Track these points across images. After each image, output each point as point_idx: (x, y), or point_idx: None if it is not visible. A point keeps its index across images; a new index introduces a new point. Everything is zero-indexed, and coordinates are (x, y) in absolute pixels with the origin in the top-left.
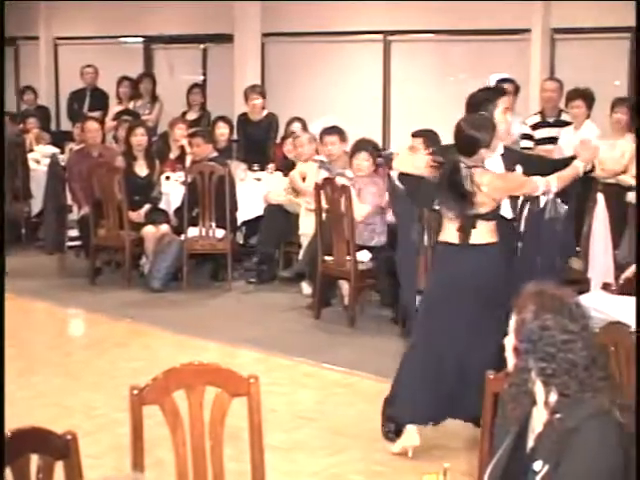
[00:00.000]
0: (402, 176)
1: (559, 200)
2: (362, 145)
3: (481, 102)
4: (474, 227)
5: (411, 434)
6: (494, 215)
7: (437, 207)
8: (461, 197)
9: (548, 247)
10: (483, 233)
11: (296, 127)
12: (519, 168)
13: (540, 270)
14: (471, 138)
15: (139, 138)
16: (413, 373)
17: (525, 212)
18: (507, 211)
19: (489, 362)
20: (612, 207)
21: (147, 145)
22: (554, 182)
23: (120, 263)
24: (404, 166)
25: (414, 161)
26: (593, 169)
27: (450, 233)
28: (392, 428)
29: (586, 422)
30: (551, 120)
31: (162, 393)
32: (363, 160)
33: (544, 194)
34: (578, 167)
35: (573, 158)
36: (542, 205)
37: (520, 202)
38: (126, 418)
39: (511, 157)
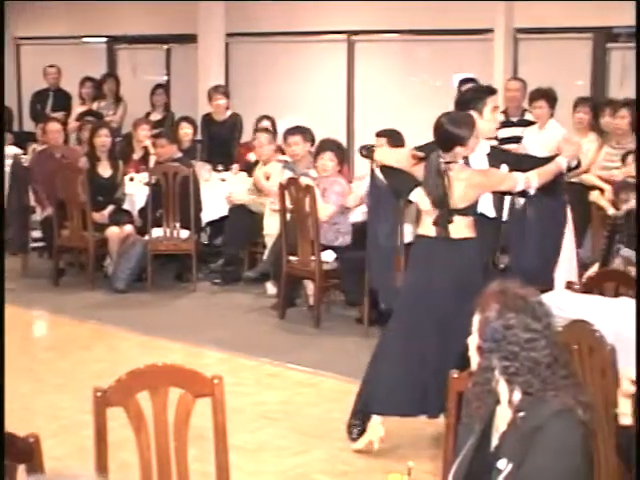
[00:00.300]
0: (383, 168)
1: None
2: (327, 145)
3: (471, 100)
4: (450, 222)
5: (376, 426)
6: (472, 211)
7: (414, 199)
8: (440, 191)
9: (534, 244)
10: (460, 228)
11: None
12: (504, 167)
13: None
14: (449, 134)
15: (103, 139)
16: (391, 364)
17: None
18: (489, 209)
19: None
20: (575, 206)
21: (111, 146)
22: (534, 178)
23: (84, 264)
24: (386, 159)
25: (396, 155)
26: (579, 165)
27: (428, 226)
28: (359, 424)
29: (549, 420)
30: (514, 119)
31: (126, 394)
32: (328, 160)
33: (525, 191)
34: (561, 163)
35: (556, 156)
36: (523, 203)
37: (509, 200)
38: (90, 420)
39: (497, 156)
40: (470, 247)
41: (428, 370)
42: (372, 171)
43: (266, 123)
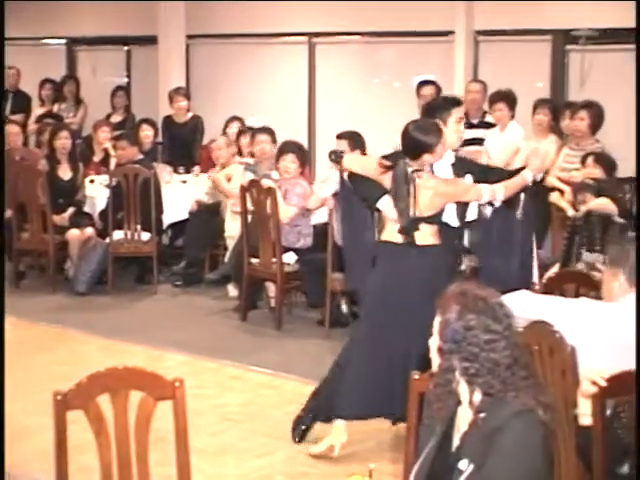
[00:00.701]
0: (351, 175)
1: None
2: (288, 147)
3: (436, 109)
4: (417, 229)
5: (339, 431)
6: (437, 220)
7: (381, 207)
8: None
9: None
10: (426, 235)
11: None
12: (469, 177)
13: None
14: (416, 141)
15: (63, 141)
16: (359, 367)
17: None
18: (453, 219)
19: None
20: (535, 208)
21: (71, 148)
22: (500, 191)
23: (44, 267)
24: (354, 166)
25: (363, 163)
26: (544, 179)
27: (393, 233)
28: (307, 422)
29: (510, 421)
30: (475, 121)
31: (86, 398)
32: (290, 162)
33: (490, 203)
34: (527, 177)
35: (522, 169)
36: (489, 215)
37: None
38: (50, 424)
39: (462, 166)
40: (435, 253)
41: (395, 373)
42: (341, 176)
43: (236, 124)
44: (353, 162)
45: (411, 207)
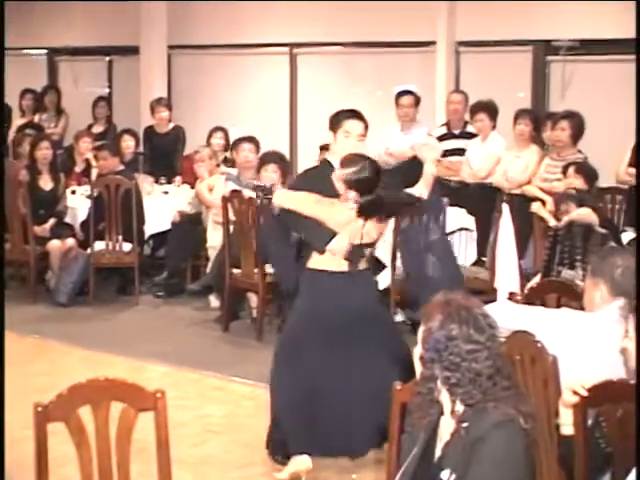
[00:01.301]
0: (287, 215)
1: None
2: (270, 157)
3: (330, 121)
4: (363, 256)
5: (302, 457)
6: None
7: (330, 249)
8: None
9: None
10: (364, 260)
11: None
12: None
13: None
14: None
15: (44, 152)
16: (285, 403)
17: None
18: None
19: (375, 390)
20: (517, 217)
21: (52, 159)
22: (424, 191)
23: (25, 278)
24: (287, 203)
25: (298, 199)
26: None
27: (326, 261)
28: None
29: (492, 431)
30: (457, 132)
31: (67, 409)
32: (271, 172)
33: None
34: (432, 170)
35: (414, 158)
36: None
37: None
38: (31, 436)
39: None
40: (370, 276)
41: (330, 409)
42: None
43: (220, 134)
44: (285, 199)
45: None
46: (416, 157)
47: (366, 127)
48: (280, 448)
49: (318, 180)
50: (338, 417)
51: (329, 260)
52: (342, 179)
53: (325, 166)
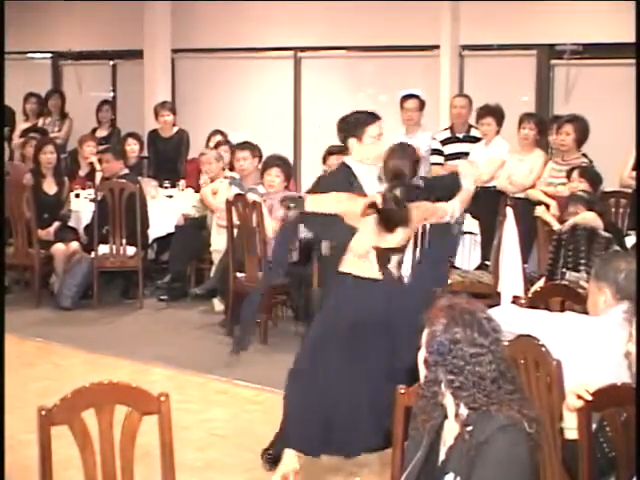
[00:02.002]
0: (311, 219)
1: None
2: (273, 161)
3: (351, 126)
4: (390, 262)
5: (290, 458)
6: (404, 249)
7: (353, 246)
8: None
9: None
10: (394, 265)
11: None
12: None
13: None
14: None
15: (48, 156)
16: (299, 399)
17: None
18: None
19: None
20: (521, 221)
21: (56, 163)
22: (458, 207)
23: (29, 281)
24: (316, 208)
25: (324, 202)
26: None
27: (356, 265)
28: (272, 452)
29: (496, 435)
30: (460, 136)
31: (71, 413)
32: (274, 176)
33: (450, 218)
34: (469, 189)
35: (455, 174)
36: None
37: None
38: (35, 439)
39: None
40: (397, 286)
41: (341, 408)
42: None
43: (218, 138)
44: (315, 204)
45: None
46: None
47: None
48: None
49: (340, 185)
50: (347, 420)
51: (357, 264)
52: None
53: (345, 170)
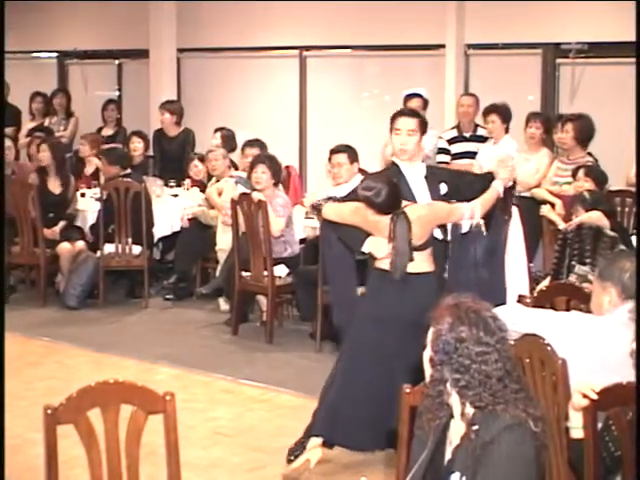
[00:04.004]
0: (329, 223)
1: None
2: (259, 158)
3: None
4: (412, 260)
5: (315, 447)
6: (429, 243)
7: (365, 250)
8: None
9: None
10: (419, 263)
11: (216, 138)
12: (444, 186)
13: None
14: (396, 196)
15: (41, 155)
16: (338, 392)
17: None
18: (437, 232)
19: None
20: (526, 220)
21: (59, 162)
22: (478, 208)
23: (35, 281)
24: (331, 215)
25: (339, 211)
26: (514, 185)
27: (387, 262)
28: (305, 444)
29: (502, 434)
30: (467, 135)
31: (77, 412)
32: (260, 172)
33: (469, 220)
34: (498, 188)
35: (490, 174)
36: (465, 230)
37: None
38: (41, 438)
39: (434, 176)
40: (427, 282)
41: (373, 403)
42: (321, 223)
43: (218, 135)
44: (330, 212)
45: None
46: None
47: (421, 122)
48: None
49: None
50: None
51: (384, 262)
52: (362, 199)
53: (393, 169)
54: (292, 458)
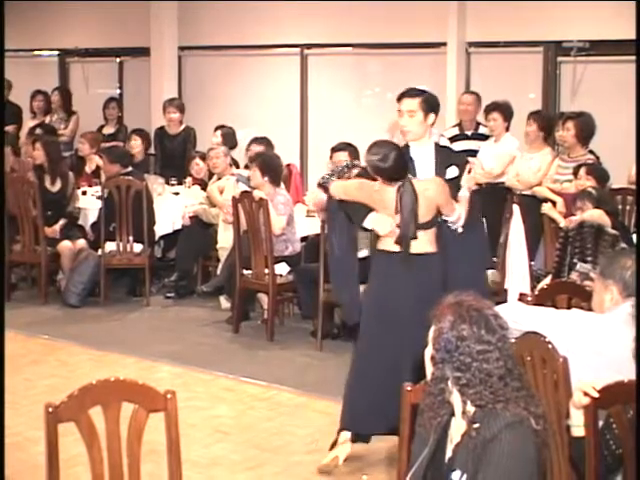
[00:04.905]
0: (336, 201)
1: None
2: (252, 157)
3: None
4: (415, 238)
5: (345, 443)
6: (433, 223)
7: (369, 226)
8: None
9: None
10: (423, 243)
11: (216, 136)
12: (454, 170)
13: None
14: (404, 164)
15: (35, 152)
16: (358, 382)
17: None
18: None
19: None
20: (527, 219)
21: (51, 160)
22: (463, 217)
23: (36, 279)
24: (338, 193)
25: (345, 188)
26: (479, 190)
27: (389, 243)
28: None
29: (503, 432)
30: (469, 133)
31: (78, 410)
32: (253, 171)
33: (454, 222)
34: (466, 196)
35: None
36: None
37: None
38: (42, 436)
39: (446, 158)
40: (431, 262)
41: (391, 387)
42: (328, 198)
43: (218, 133)
44: (337, 189)
45: (415, 217)
46: None
47: (423, 101)
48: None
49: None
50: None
51: (387, 242)
52: (369, 164)
53: (405, 150)
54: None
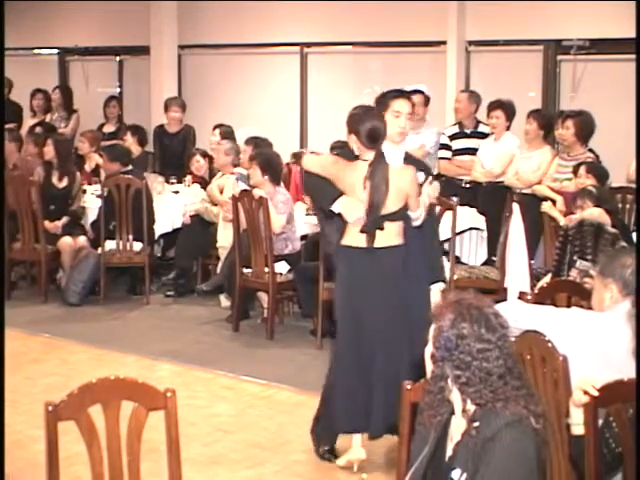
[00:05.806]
0: (308, 177)
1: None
2: (252, 156)
3: (377, 103)
4: (381, 228)
5: (356, 448)
6: (401, 215)
7: (334, 209)
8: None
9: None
10: (389, 236)
11: (215, 135)
12: (421, 175)
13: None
14: (377, 127)
15: (46, 149)
16: (338, 381)
17: None
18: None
19: (399, 370)
20: (527, 217)
21: (60, 157)
22: (422, 218)
23: (36, 277)
24: (312, 166)
25: (321, 161)
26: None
27: (354, 236)
28: (327, 448)
29: (503, 430)
30: (469, 131)
31: (78, 409)
32: (252, 170)
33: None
34: (426, 203)
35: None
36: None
37: None
38: (42, 435)
39: (413, 163)
40: (397, 254)
41: (368, 384)
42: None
43: (217, 131)
44: (311, 162)
45: (383, 204)
46: None
47: (414, 105)
48: (327, 435)
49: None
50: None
51: (355, 236)
52: (350, 116)
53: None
54: (327, 457)
